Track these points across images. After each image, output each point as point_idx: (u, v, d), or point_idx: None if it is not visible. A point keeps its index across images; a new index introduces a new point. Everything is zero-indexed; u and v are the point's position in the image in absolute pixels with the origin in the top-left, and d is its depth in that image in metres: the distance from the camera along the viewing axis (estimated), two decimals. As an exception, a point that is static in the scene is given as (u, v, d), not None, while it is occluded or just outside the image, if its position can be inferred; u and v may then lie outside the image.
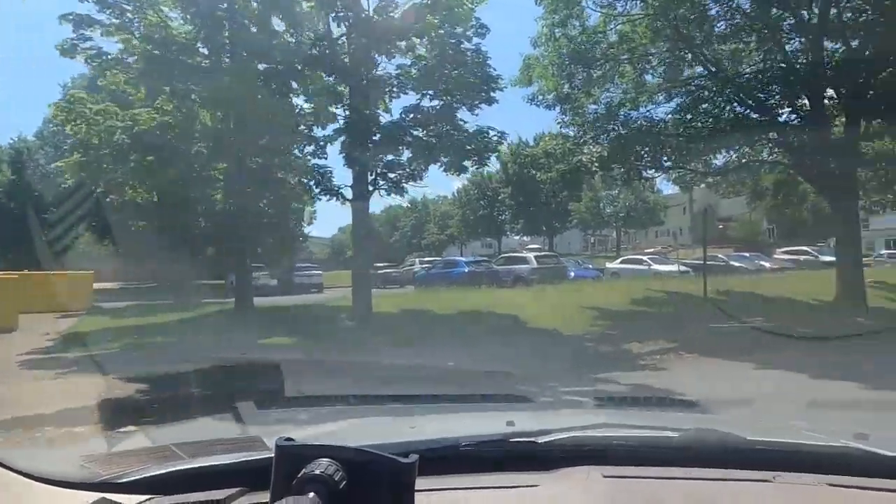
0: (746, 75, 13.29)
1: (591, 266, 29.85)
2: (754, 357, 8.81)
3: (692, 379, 7.87)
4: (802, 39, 13.55)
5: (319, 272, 29.52)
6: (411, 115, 13.47)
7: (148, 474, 1.21)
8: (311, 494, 0.85)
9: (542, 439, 1.30)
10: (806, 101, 13.32)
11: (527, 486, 1.17)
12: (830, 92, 13.38)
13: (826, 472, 1.22)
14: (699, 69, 14.52)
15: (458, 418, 2.32)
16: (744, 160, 15.96)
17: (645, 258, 28.51)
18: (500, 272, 22.58)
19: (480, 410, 2.93)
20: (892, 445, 1.31)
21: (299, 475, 0.88)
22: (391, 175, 13.60)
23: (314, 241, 58.87)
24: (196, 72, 12.89)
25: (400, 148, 13.40)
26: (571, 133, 15.96)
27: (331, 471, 0.88)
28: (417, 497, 0.90)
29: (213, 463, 1.26)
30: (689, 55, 14.32)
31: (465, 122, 13.46)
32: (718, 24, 13.74)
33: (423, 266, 30.03)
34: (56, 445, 3.85)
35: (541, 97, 15.82)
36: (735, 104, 13.31)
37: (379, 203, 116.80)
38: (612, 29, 14.88)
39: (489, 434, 1.41)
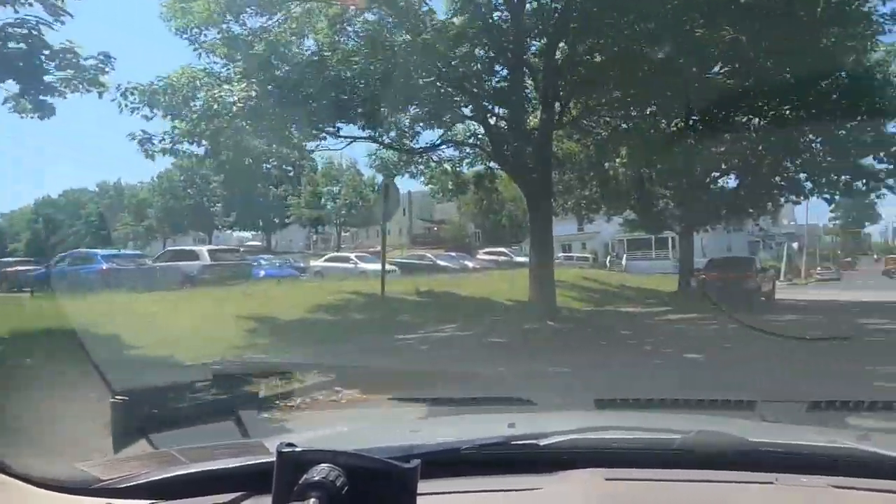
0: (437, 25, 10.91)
1: (292, 264, 26.45)
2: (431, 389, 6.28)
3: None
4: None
5: None
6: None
7: (149, 479, 1.20)
8: (313, 500, 0.85)
9: (543, 442, 1.30)
10: (505, 70, 11.63)
11: (529, 489, 1.17)
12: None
13: (829, 474, 1.22)
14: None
15: (459, 421, 2.30)
16: (439, 142, 14.08)
17: (352, 256, 26.30)
18: (158, 271, 17.35)
19: (482, 414, 2.93)
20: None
21: (301, 481, 0.88)
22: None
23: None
24: None
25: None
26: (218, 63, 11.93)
27: (332, 476, 0.88)
28: (419, 501, 0.90)
29: (214, 468, 1.26)
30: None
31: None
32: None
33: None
34: (56, 450, 3.47)
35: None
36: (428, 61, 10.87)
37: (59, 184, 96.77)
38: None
39: (490, 437, 1.42)
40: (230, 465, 1.26)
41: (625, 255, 62.76)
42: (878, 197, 18.66)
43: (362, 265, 23.84)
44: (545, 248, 13.80)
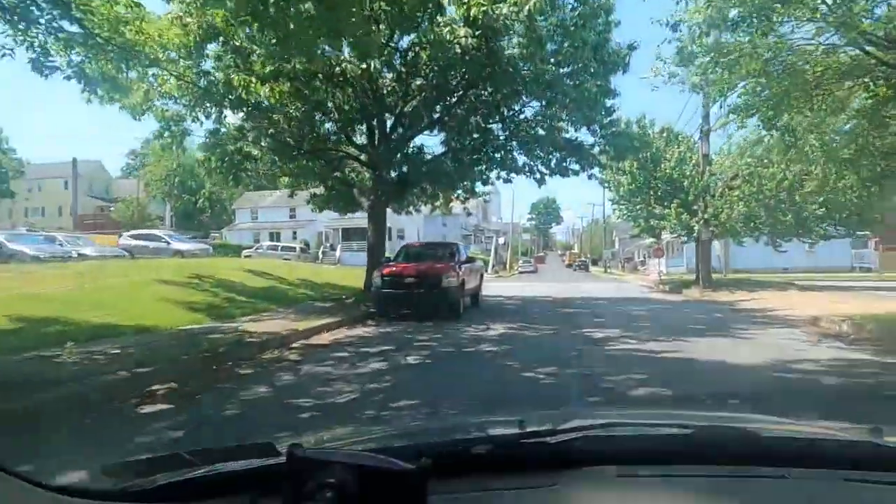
0: None
1: None
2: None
3: None
4: None
5: None
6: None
7: (159, 482, 1.18)
8: (324, 502, 0.86)
9: (553, 440, 1.27)
10: None
11: (540, 487, 1.16)
12: None
13: (841, 467, 1.20)
14: None
15: (468, 421, 2.33)
16: None
17: None
18: None
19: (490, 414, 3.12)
20: None
21: (311, 482, 0.89)
22: None
23: None
24: None
25: None
26: None
27: (342, 477, 0.89)
28: (430, 500, 0.91)
29: (224, 470, 1.22)
30: None
31: None
32: None
33: None
34: (66, 453, 3.53)
35: None
36: None
37: None
38: None
39: (500, 436, 1.46)
40: (241, 468, 1.22)
41: (339, 246, 58.23)
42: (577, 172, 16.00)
43: None
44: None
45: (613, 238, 74.10)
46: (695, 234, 20.86)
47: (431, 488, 0.91)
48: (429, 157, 16.74)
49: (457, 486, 1.13)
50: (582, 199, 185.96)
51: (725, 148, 22.14)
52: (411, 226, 60.06)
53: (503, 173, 18.28)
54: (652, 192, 22.34)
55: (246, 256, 37.08)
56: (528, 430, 1.41)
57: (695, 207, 20.70)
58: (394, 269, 12.84)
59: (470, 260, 14.59)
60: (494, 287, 27.85)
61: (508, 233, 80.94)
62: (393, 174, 16.38)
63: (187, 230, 64.82)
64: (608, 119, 16.32)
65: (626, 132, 16.83)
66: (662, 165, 21.16)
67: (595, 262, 78.04)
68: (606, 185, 24.76)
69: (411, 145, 16.76)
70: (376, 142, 15.56)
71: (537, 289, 26.24)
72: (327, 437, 1.88)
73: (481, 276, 16.60)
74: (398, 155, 15.94)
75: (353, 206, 16.88)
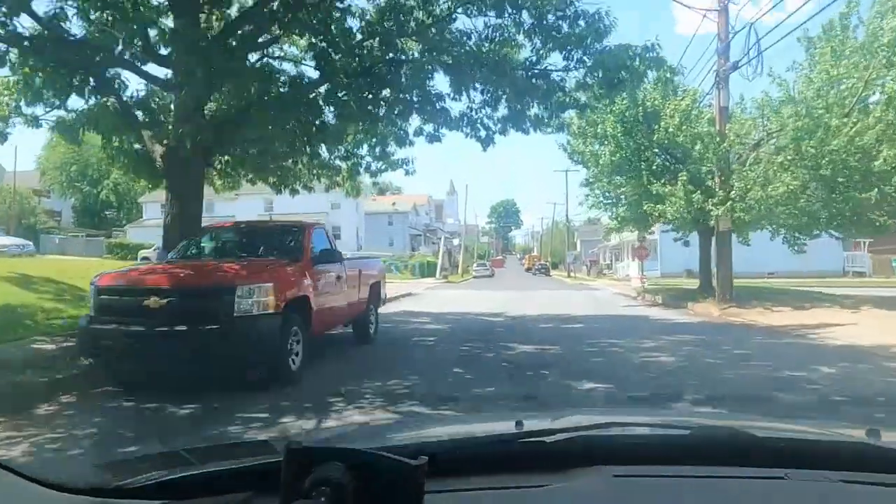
0: None
1: None
2: None
3: None
4: None
5: None
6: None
7: (157, 480, 1.17)
8: (322, 498, 0.85)
9: (550, 439, 1.24)
10: None
11: (536, 487, 1.14)
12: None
13: (839, 469, 1.18)
14: None
15: (466, 420, 2.30)
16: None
17: None
18: None
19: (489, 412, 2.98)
20: None
21: (308, 478, 0.87)
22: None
23: None
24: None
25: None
26: None
27: (340, 473, 0.87)
28: (427, 498, 0.88)
29: (222, 468, 1.25)
30: None
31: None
32: None
33: None
34: (64, 450, 3.45)
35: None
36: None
37: None
38: None
39: (498, 435, 1.43)
40: (238, 465, 1.25)
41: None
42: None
43: None
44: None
45: (575, 240, 68.35)
46: (710, 223, 14.23)
47: (428, 486, 0.87)
48: (282, 79, 9.64)
49: (454, 484, 1.12)
50: (543, 198, 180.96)
51: (739, 107, 15.70)
52: (348, 224, 52.61)
53: (428, 125, 11.44)
54: (644, 166, 15.78)
55: (144, 259, 29.89)
56: (526, 429, 1.39)
57: (709, 184, 14.24)
58: (126, 278, 5.69)
59: (339, 258, 7.49)
60: (432, 298, 21.32)
61: (469, 235, 74.58)
62: (212, 106, 9.19)
63: (84, 227, 56.23)
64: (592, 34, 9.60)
65: (619, 50, 10.02)
66: (661, 125, 14.54)
67: (555, 266, 72.33)
68: (577, 158, 18.06)
69: (254, 59, 9.63)
70: (185, 46, 8.31)
71: (487, 300, 19.57)
72: (325, 435, 1.86)
73: (377, 287, 9.54)
74: (223, 72, 8.66)
75: (148, 167, 9.46)
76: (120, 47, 8.20)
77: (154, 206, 54.08)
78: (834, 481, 1.15)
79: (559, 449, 1.21)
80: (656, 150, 15.86)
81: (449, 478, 1.12)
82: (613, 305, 18.34)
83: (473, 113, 11.10)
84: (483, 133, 11.68)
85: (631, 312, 15.06)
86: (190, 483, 1.14)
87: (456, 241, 66.90)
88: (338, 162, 13.17)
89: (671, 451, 1.27)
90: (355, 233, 52.23)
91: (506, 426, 1.51)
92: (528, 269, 72.83)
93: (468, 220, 78.12)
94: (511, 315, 14.15)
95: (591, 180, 18.46)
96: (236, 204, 51.15)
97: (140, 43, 8.43)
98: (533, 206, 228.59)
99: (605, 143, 16.30)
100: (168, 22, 8.73)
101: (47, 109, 8.92)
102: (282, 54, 11.12)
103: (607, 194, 19.01)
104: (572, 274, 53.58)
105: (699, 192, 14.06)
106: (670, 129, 14.47)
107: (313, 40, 9.53)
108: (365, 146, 13.42)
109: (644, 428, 1.57)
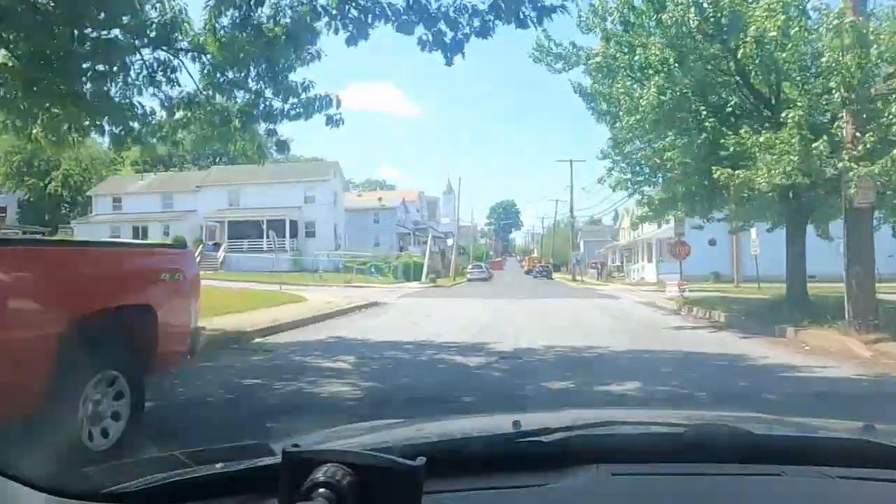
0: None
1: None
2: None
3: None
4: None
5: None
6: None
7: (152, 484, 1.14)
8: (321, 500, 0.84)
9: (548, 438, 1.24)
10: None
11: (534, 486, 1.14)
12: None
13: (836, 465, 1.19)
14: None
15: (464, 420, 2.24)
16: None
17: None
18: None
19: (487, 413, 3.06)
20: None
21: (306, 481, 0.86)
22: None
23: None
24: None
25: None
26: None
27: (338, 475, 0.86)
28: (425, 499, 0.88)
29: (220, 471, 1.21)
30: None
31: None
32: None
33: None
34: (59, 453, 3.41)
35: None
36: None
37: None
38: None
39: (496, 434, 1.43)
40: (236, 468, 1.23)
41: (224, 246, 44.27)
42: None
43: None
44: None
45: (578, 241, 62.56)
46: (845, 197, 8.24)
47: (427, 487, 0.87)
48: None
49: (452, 484, 1.12)
50: (543, 197, 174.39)
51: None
52: (325, 220, 46.63)
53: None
54: (710, 111, 9.88)
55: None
56: (524, 428, 1.37)
57: (832, 130, 8.46)
58: None
59: None
60: (399, 311, 16.10)
61: (466, 236, 69.09)
62: None
63: (30, 224, 50.42)
64: None
65: None
66: (749, 35, 8.64)
67: (557, 268, 66.66)
68: (600, 107, 12.13)
69: None
70: None
71: (474, 313, 14.04)
72: (323, 436, 1.78)
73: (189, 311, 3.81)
74: None
75: None
76: None
77: (103, 200, 48.34)
78: (831, 477, 1.17)
79: (557, 448, 1.22)
80: (737, 81, 9.91)
81: (447, 478, 1.12)
82: (653, 327, 12.49)
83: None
84: (449, 34, 6.65)
85: (699, 345, 9.20)
86: (187, 486, 1.13)
87: (450, 242, 61.11)
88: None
89: (670, 449, 1.27)
90: (333, 231, 46.29)
91: (503, 426, 1.48)
92: (529, 272, 67.36)
93: (465, 220, 72.41)
94: (502, 350, 8.35)
95: (619, 140, 12.56)
96: (197, 197, 45.49)
97: None
98: (533, 206, 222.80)
99: (649, 76, 10.44)
100: None
101: None
102: None
103: (638, 167, 13.21)
104: (578, 277, 47.76)
105: (822, 140, 8.20)
106: (766, 42, 8.62)
107: None
108: (252, 69, 8.29)
109: (642, 426, 1.57)
